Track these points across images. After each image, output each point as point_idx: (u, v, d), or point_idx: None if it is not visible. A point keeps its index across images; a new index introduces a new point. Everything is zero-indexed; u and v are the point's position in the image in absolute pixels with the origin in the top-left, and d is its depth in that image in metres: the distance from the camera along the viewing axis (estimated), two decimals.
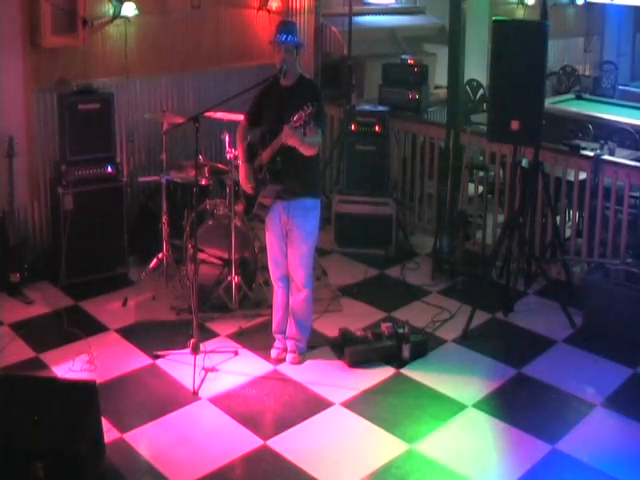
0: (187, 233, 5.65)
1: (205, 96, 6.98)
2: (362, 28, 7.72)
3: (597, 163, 5.78)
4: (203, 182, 5.83)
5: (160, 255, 5.84)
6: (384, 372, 4.89)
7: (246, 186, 4.85)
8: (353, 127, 6.80)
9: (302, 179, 4.69)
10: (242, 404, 4.59)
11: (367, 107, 6.96)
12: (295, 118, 4.34)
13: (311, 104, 4.34)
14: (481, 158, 6.91)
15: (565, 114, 8.03)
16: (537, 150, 5.73)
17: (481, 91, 8.98)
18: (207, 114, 5.15)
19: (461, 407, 4.55)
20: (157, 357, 4.97)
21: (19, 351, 5.01)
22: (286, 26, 4.73)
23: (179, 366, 4.86)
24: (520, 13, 10.27)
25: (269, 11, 7.31)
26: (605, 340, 5.25)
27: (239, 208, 5.35)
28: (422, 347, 5.10)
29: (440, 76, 7.94)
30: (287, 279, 4.93)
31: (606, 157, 5.93)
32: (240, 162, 4.91)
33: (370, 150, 6.75)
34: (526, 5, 10.32)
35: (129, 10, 6.29)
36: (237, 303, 5.49)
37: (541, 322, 5.54)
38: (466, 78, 7.97)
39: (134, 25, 6.45)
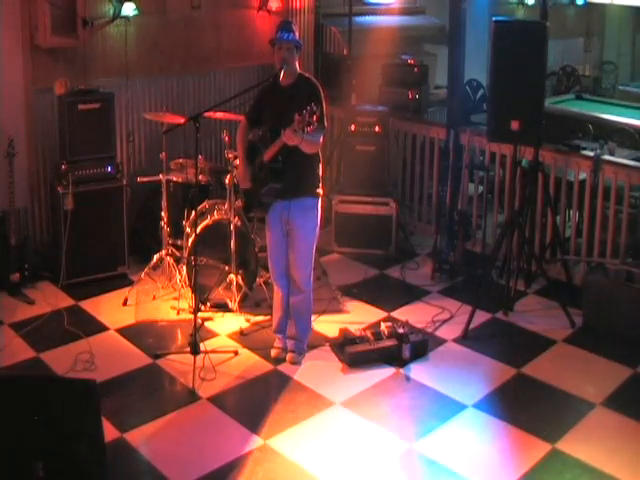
0: (187, 233, 5.66)
1: (205, 96, 6.99)
2: (362, 28, 7.72)
3: (597, 163, 5.78)
4: (203, 182, 5.84)
5: (160, 255, 5.84)
6: (384, 372, 4.89)
7: (244, 184, 4.88)
8: (353, 127, 6.80)
9: (302, 179, 4.71)
10: (242, 404, 4.60)
11: (367, 107, 6.97)
12: (297, 120, 4.34)
13: (313, 103, 4.34)
14: (481, 158, 6.91)
15: (565, 114, 8.03)
16: (537, 150, 5.74)
17: (481, 91, 8.98)
18: (207, 114, 5.15)
19: (461, 407, 4.55)
20: (157, 357, 4.97)
21: (19, 351, 5.01)
22: (287, 25, 4.74)
23: (179, 366, 4.86)
24: (520, 13, 10.28)
25: (269, 11, 7.31)
26: (605, 340, 5.26)
27: (238, 204, 5.37)
28: (422, 347, 5.10)
29: (440, 76, 7.95)
30: (287, 279, 4.93)
31: (606, 157, 5.94)
32: (240, 161, 4.94)
33: (370, 150, 6.75)
34: (526, 5, 10.33)
35: (129, 10, 6.28)
36: (237, 303, 5.50)
37: (541, 322, 5.54)
38: (466, 78, 7.98)
39: (134, 25, 6.45)
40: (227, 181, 5.53)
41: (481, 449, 4.20)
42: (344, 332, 5.15)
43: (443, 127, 6.67)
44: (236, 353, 5.04)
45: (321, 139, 4.71)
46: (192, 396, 4.58)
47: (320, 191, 4.84)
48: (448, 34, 6.62)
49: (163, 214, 5.83)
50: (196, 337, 4.76)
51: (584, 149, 6.18)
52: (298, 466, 4.01)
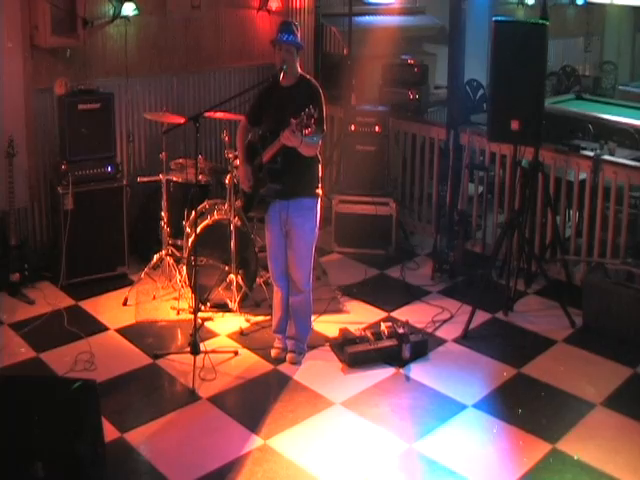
0: (187, 233, 5.66)
1: (205, 96, 6.99)
2: (362, 28, 7.72)
3: (597, 163, 5.78)
4: (203, 182, 5.85)
5: (160, 255, 5.84)
6: (384, 372, 4.89)
7: (245, 185, 4.89)
8: (353, 127, 6.81)
9: (301, 179, 4.71)
10: (242, 404, 4.60)
11: (367, 107, 6.97)
12: (295, 122, 4.34)
13: (311, 105, 4.34)
14: (481, 158, 6.91)
15: (565, 114, 8.02)
16: (537, 150, 5.74)
17: (481, 91, 8.98)
18: (207, 114, 5.15)
19: (461, 407, 4.55)
20: (157, 357, 4.97)
21: (19, 351, 5.01)
22: (287, 26, 4.74)
23: (179, 366, 4.86)
24: (520, 13, 10.28)
25: (269, 11, 7.31)
26: (605, 340, 5.26)
27: (238, 204, 5.38)
28: (422, 347, 5.10)
29: (440, 76, 7.95)
30: (287, 279, 4.93)
31: (606, 157, 5.94)
32: (240, 161, 4.94)
33: (370, 150, 6.75)
34: (526, 5, 10.32)
35: (129, 10, 6.28)
36: (237, 303, 5.50)
37: (541, 322, 5.54)
38: (466, 78, 7.98)
39: (134, 25, 6.45)
40: (227, 181, 5.53)
41: (481, 449, 4.20)
42: (344, 332, 5.15)
43: (443, 127, 6.67)
44: (236, 353, 5.04)
45: (320, 142, 4.70)
46: (192, 396, 4.58)
47: (319, 191, 4.84)
48: (448, 34, 6.62)
49: (163, 214, 5.83)
50: (196, 337, 4.76)
51: (584, 149, 6.17)
52: (298, 466, 4.01)
